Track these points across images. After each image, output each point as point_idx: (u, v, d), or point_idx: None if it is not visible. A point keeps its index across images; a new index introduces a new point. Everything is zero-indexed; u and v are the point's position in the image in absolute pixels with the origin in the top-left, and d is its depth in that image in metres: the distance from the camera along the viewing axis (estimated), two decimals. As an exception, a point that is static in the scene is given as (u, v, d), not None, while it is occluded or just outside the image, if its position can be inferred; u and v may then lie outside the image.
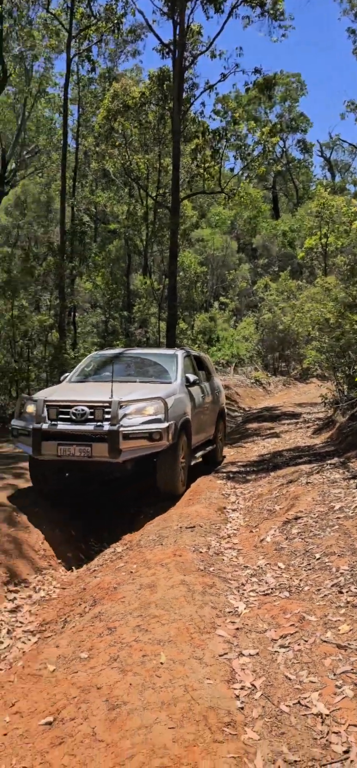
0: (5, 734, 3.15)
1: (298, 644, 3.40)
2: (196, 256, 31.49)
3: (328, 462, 7.73)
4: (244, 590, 4.32)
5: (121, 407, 6.66)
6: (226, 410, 11.80)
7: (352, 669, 3.07)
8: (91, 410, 6.67)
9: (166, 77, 20.56)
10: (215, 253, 35.56)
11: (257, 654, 3.37)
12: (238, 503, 7.10)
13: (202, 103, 51.81)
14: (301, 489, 6.58)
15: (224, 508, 6.80)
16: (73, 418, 6.70)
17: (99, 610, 4.24)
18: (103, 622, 4.00)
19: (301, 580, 4.30)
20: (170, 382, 8.02)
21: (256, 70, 19.05)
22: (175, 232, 18.55)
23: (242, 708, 2.90)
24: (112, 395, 6.69)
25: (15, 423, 7.25)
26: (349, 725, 2.67)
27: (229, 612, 3.93)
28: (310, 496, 6.14)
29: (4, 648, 4.51)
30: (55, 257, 17.12)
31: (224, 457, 10.72)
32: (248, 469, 9.26)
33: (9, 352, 15.66)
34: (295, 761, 2.51)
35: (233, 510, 6.78)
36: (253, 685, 3.08)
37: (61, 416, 6.79)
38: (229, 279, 36.00)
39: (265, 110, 45.45)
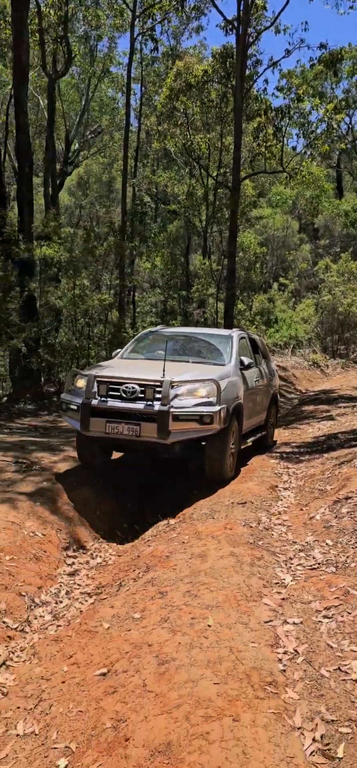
0: (63, 682, 3.42)
1: (342, 616, 3.51)
2: (256, 236, 31.25)
3: (383, 446, 7.69)
4: (292, 564, 4.45)
5: (172, 387, 6.48)
6: (279, 395, 11.52)
7: None
8: (142, 389, 6.51)
9: (229, 54, 20.41)
10: (275, 233, 35.14)
11: (301, 623, 3.51)
12: (290, 482, 7.18)
13: (265, 81, 50.80)
14: (353, 470, 6.61)
15: (276, 486, 6.91)
16: (123, 395, 6.56)
17: (152, 575, 4.47)
18: (155, 586, 4.22)
19: (348, 557, 4.39)
20: (224, 364, 7.78)
21: (322, 45, 18.62)
22: (235, 212, 18.50)
23: (284, 670, 3.06)
24: (164, 374, 6.53)
25: (64, 397, 7.20)
26: (387, 693, 2.78)
27: (276, 583, 4.08)
28: (362, 478, 6.17)
29: (63, 607, 4.81)
30: (115, 237, 17.44)
31: (275, 442, 10.46)
32: (302, 450, 9.30)
33: (70, 330, 16.13)
34: (333, 720, 2.65)
35: (285, 489, 6.88)
36: (295, 650, 3.23)
37: (111, 393, 6.66)
38: (289, 260, 35.55)
39: (331, 85, 44.29)
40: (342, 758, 2.44)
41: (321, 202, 31.67)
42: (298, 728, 2.63)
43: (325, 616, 3.54)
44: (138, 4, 20.90)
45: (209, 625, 3.48)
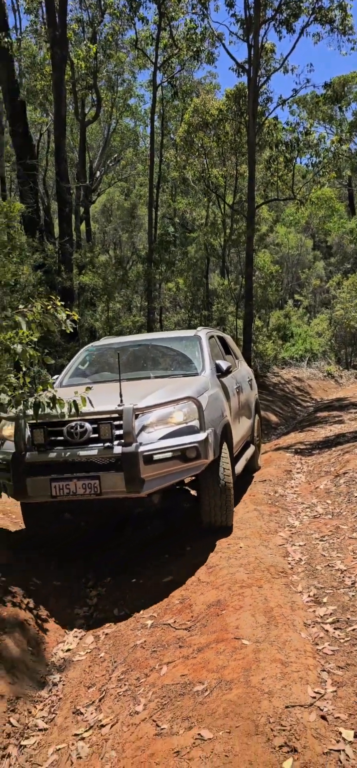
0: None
1: (332, 540, 5.08)
2: (272, 255, 32.86)
3: (380, 438, 9.21)
4: (300, 515, 6.04)
5: (136, 417, 4.83)
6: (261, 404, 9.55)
7: (365, 550, 4.74)
8: (95, 425, 4.82)
9: (241, 94, 22.18)
10: (290, 252, 36.78)
11: (304, 545, 5.09)
12: (302, 468, 8.73)
13: (275, 118, 53.23)
14: (353, 456, 8.15)
15: (290, 470, 8.48)
16: (69, 439, 4.86)
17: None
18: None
19: (341, 509, 5.95)
20: (197, 373, 6.07)
21: (326, 85, 20.39)
22: (250, 238, 20.17)
23: (291, 567, 4.64)
24: (121, 400, 4.84)
25: None
26: (358, 573, 4.35)
27: (288, 526, 5.67)
28: (358, 460, 7.73)
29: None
30: (144, 265, 19.22)
31: (259, 467, 8.93)
32: (314, 446, 10.83)
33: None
34: (321, 587, 4.22)
35: (297, 472, 8.44)
36: (300, 558, 4.81)
37: (51, 438, 4.93)
38: (303, 277, 37.12)
39: (340, 108, 45.96)
40: (325, 603, 4.00)
41: (331, 221, 33.18)
42: (299, 591, 4.21)
43: (321, 540, 5.12)
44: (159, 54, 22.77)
45: (241, 547, 5.07)
